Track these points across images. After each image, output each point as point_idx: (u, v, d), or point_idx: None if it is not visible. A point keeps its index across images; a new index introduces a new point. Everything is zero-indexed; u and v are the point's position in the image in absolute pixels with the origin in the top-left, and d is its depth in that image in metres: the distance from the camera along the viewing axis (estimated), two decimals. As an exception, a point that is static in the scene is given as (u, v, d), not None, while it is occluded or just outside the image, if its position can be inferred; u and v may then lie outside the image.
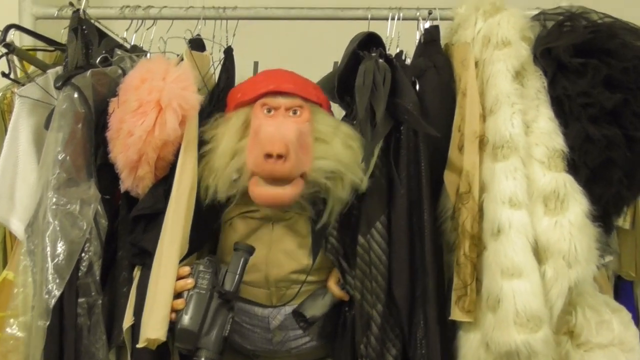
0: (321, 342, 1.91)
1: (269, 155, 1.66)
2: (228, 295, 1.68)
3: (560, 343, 1.74)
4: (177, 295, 1.67)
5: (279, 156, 1.66)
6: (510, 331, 1.61)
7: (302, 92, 1.79)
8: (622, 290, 2.35)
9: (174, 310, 1.65)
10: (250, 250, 1.72)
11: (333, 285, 1.84)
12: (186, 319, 1.64)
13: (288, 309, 1.86)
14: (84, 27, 1.92)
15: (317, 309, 1.84)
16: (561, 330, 1.74)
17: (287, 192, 1.70)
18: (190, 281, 1.67)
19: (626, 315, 1.83)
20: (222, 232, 1.87)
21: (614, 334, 1.77)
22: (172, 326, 1.65)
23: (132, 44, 2.04)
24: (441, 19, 1.99)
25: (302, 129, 1.74)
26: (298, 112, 1.77)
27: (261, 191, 1.70)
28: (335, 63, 2.70)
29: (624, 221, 2.21)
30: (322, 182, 1.73)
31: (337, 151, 1.74)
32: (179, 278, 1.68)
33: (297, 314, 1.84)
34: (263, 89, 1.78)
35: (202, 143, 1.77)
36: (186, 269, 1.69)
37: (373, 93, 1.75)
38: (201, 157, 1.76)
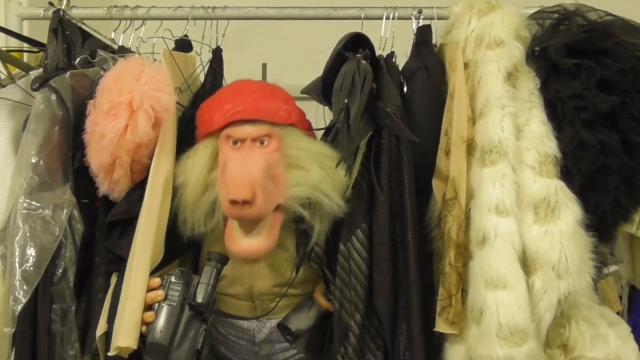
0: (309, 355, 1.85)
1: (234, 202, 1.58)
2: (200, 308, 1.62)
3: (553, 357, 1.66)
4: (148, 307, 1.62)
5: (245, 202, 1.58)
6: (493, 345, 1.53)
7: (269, 115, 1.68)
8: (636, 300, 2.25)
9: (144, 323, 1.60)
10: (223, 260, 1.66)
11: (319, 296, 1.78)
12: (156, 332, 1.59)
13: (274, 321, 1.81)
14: (65, 27, 1.87)
15: (302, 321, 1.78)
16: (554, 343, 1.66)
17: (263, 245, 1.62)
18: (160, 293, 1.62)
19: (625, 329, 1.73)
20: (205, 242, 1.80)
21: (610, 349, 1.68)
22: (144, 338, 1.61)
23: (119, 45, 2.00)
24: (438, 18, 1.92)
25: (270, 160, 1.64)
26: (266, 142, 1.66)
27: (236, 246, 1.63)
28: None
29: (637, 229, 2.11)
30: (298, 210, 1.66)
31: (312, 176, 1.65)
32: (150, 290, 1.62)
33: (282, 327, 1.79)
34: (228, 116, 1.68)
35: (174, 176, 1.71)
36: (157, 281, 1.63)
37: (350, 95, 1.67)
38: (175, 189, 1.70)
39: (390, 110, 1.67)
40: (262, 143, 1.66)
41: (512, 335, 1.53)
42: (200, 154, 1.69)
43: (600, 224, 1.69)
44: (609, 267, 1.94)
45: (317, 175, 1.65)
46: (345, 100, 1.67)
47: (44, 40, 1.99)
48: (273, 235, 1.64)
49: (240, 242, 1.62)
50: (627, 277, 2.18)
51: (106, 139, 1.64)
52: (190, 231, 1.68)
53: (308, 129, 1.78)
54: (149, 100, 1.65)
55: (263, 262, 1.76)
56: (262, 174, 1.60)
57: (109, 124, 1.64)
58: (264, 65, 2.68)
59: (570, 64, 1.65)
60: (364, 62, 1.73)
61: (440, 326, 1.64)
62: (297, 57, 3.01)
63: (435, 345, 1.72)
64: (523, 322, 1.54)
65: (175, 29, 1.99)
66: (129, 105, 1.64)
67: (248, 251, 1.63)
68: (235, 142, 1.66)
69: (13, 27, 2.04)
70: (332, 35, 3.08)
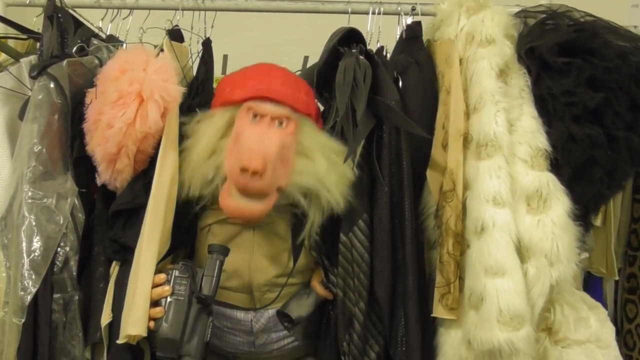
0: (304, 342, 1.89)
1: (244, 170, 1.61)
2: (207, 300, 1.64)
3: (538, 340, 1.75)
4: (155, 303, 1.63)
5: (255, 172, 1.61)
6: (493, 329, 1.61)
7: (292, 101, 1.72)
8: (591, 287, 2.36)
9: (152, 318, 1.62)
10: (225, 252, 1.67)
11: (317, 285, 1.82)
12: (166, 327, 1.60)
13: (271, 311, 1.84)
14: (59, 15, 1.85)
15: (302, 309, 1.82)
16: (539, 327, 1.75)
17: (256, 208, 1.66)
18: (167, 288, 1.63)
19: (602, 312, 1.85)
20: (200, 239, 1.82)
21: (591, 331, 1.79)
22: (150, 333, 1.62)
23: (107, 33, 1.99)
24: (422, 14, 1.98)
25: (285, 142, 1.68)
26: (284, 124, 1.70)
27: (230, 203, 1.66)
28: (306, 58, 2.71)
29: (595, 218, 2.22)
30: (297, 197, 1.70)
31: (318, 168, 1.69)
32: (155, 286, 1.64)
33: (282, 315, 1.82)
34: (252, 91, 1.72)
35: (183, 137, 1.73)
36: (162, 276, 1.65)
37: (353, 91, 1.72)
38: (181, 151, 1.72)
39: (391, 104, 1.72)
40: (280, 124, 1.70)
41: (511, 320, 1.61)
42: (216, 119, 1.72)
43: (584, 214, 1.79)
44: (580, 254, 2.04)
45: (323, 168, 1.69)
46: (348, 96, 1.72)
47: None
48: (267, 205, 1.67)
49: (236, 201, 1.65)
50: (583, 264, 2.30)
51: (114, 128, 1.64)
52: (185, 194, 1.69)
53: (321, 125, 1.81)
54: (158, 90, 1.66)
55: (263, 254, 1.79)
56: (276, 152, 1.64)
57: (117, 113, 1.65)
58: (225, 57, 2.70)
59: (561, 63, 1.74)
60: (361, 57, 1.79)
61: (439, 312, 1.71)
62: (258, 49, 3.05)
63: (431, 330, 1.79)
64: (521, 307, 1.62)
65: (162, 18, 1.99)
66: (139, 95, 1.65)
67: (242, 210, 1.65)
68: (255, 116, 1.70)
69: (-4, 13, 2.01)
70: (292, 28, 3.13)
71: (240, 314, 1.83)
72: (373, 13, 2.00)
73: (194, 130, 1.72)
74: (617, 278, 2.25)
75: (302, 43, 3.04)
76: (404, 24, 1.95)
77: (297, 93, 1.75)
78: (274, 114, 1.70)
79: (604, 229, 2.22)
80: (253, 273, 1.79)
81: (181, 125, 1.74)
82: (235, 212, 1.67)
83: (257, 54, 2.84)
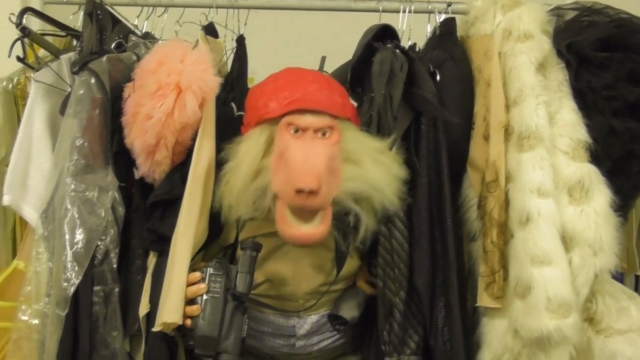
0: (345, 340, 1.89)
1: (300, 191, 1.56)
2: (243, 297, 1.63)
3: (581, 329, 1.73)
4: (191, 301, 1.61)
5: (311, 192, 1.56)
6: (542, 317, 1.61)
7: (330, 107, 1.65)
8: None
9: (189, 316, 1.60)
10: (258, 248, 1.65)
11: (364, 284, 1.83)
12: (204, 325, 1.59)
13: (315, 317, 1.84)
14: (98, 12, 1.86)
15: (354, 310, 1.82)
16: (582, 317, 1.73)
17: (318, 231, 1.60)
18: (203, 286, 1.61)
19: (641, 301, 1.86)
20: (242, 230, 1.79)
21: (633, 320, 1.78)
22: (187, 330, 1.62)
23: (143, 31, 2.01)
24: (452, 12, 2.00)
25: (332, 153, 1.62)
26: (327, 134, 1.63)
27: (291, 232, 1.60)
28: (323, 58, 2.72)
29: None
30: (349, 205, 1.64)
31: (367, 172, 1.64)
32: (190, 284, 1.62)
33: (335, 317, 1.82)
34: (288, 104, 1.64)
35: (223, 161, 1.68)
36: (197, 274, 1.63)
37: (390, 80, 1.71)
38: (222, 175, 1.66)
39: (428, 97, 1.73)
40: (324, 134, 1.64)
41: (559, 308, 1.61)
42: (255, 139, 1.65)
43: (621, 206, 1.80)
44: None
45: (372, 171, 1.64)
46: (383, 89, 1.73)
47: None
48: (327, 224, 1.61)
49: (298, 228, 1.60)
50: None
51: (153, 119, 1.64)
52: (234, 216, 1.65)
53: (358, 122, 1.76)
54: (196, 81, 1.66)
55: (308, 264, 1.78)
56: (326, 166, 1.59)
57: (156, 104, 1.65)
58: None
59: (602, 57, 1.76)
60: (397, 51, 1.80)
61: (485, 301, 1.71)
62: (272, 49, 3.05)
63: (468, 321, 1.78)
64: (568, 295, 1.62)
65: (197, 16, 2.00)
66: (177, 85, 1.66)
67: (307, 237, 1.60)
68: (296, 131, 1.63)
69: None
70: (304, 28, 3.13)
71: (282, 320, 1.83)
72: (404, 11, 2.02)
73: (235, 153, 1.66)
74: (638, 273, 2.27)
75: (318, 42, 3.07)
76: (437, 21, 1.96)
77: (333, 96, 1.68)
78: (316, 125, 1.63)
79: (626, 224, 2.23)
80: (298, 283, 1.79)
81: (221, 150, 1.69)
82: (297, 240, 1.62)
83: (273, 54, 2.87)
